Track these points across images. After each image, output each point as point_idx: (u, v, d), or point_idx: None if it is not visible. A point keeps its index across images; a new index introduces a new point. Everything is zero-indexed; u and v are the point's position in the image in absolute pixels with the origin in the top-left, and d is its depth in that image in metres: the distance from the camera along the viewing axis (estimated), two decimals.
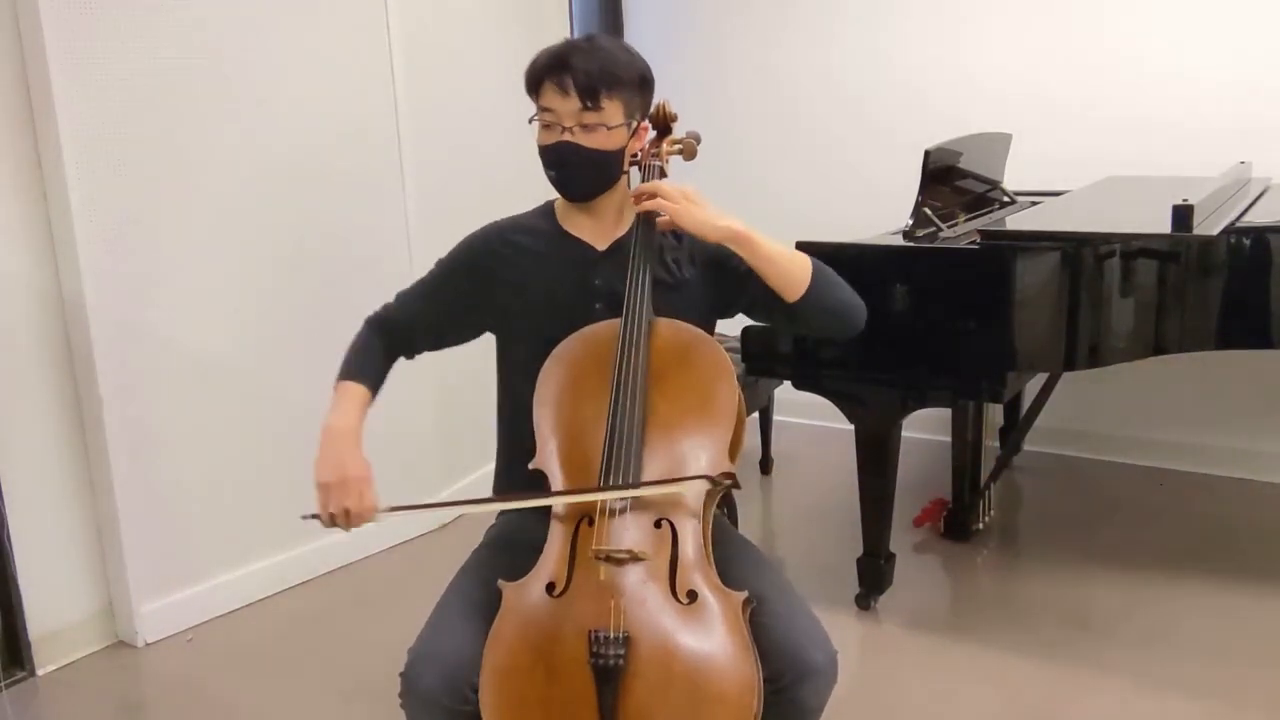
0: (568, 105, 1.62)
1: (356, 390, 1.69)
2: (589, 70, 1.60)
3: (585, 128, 1.63)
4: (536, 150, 1.70)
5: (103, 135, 2.51)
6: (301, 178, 2.92)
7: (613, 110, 1.64)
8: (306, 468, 3.03)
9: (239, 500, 2.86)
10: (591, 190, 1.71)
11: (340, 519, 1.55)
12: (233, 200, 2.77)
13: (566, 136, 1.64)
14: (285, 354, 2.92)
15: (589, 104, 1.62)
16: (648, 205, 1.63)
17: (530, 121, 1.68)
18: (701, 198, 1.63)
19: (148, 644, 2.70)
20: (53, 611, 2.60)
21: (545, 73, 1.63)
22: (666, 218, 1.60)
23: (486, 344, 1.83)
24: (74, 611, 2.65)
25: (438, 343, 1.82)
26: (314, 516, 1.57)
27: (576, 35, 3.98)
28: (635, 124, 1.69)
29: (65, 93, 2.43)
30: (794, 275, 1.64)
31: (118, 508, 2.61)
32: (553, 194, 1.77)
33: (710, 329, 1.74)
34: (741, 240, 1.61)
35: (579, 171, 1.68)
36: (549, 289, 1.72)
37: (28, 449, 2.53)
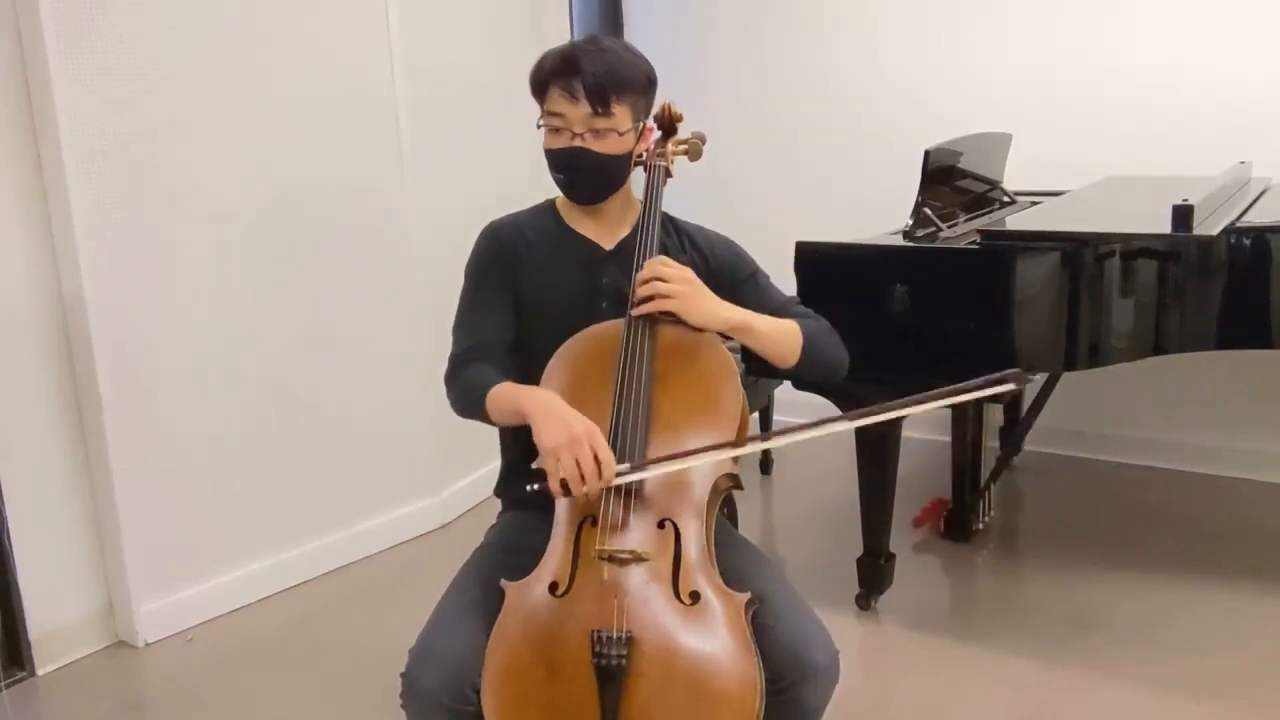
0: (577, 111, 1.62)
1: (508, 385, 1.60)
2: (598, 75, 1.60)
3: (595, 133, 1.64)
4: (541, 150, 1.70)
5: (103, 136, 2.51)
6: (302, 177, 2.92)
7: (622, 115, 1.65)
8: (307, 468, 3.04)
9: (239, 500, 2.86)
10: (600, 194, 1.72)
11: (574, 482, 1.43)
12: (233, 201, 2.77)
13: (577, 142, 1.64)
14: (286, 354, 2.92)
15: (599, 109, 1.62)
16: (649, 307, 1.60)
17: (538, 126, 1.68)
18: (699, 284, 1.64)
19: (148, 644, 2.70)
20: (53, 611, 2.60)
21: (552, 77, 1.63)
22: (653, 307, 1.60)
23: None
24: (74, 611, 2.65)
25: (518, 350, 1.75)
26: (537, 489, 1.46)
27: (578, 35, 4.03)
28: (641, 126, 1.70)
29: (66, 93, 2.43)
30: (786, 352, 1.70)
31: (118, 508, 2.61)
32: (552, 191, 1.77)
33: None
34: (742, 329, 1.66)
35: (589, 176, 1.69)
36: (556, 288, 1.72)
37: (28, 449, 2.53)
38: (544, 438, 1.47)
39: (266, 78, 2.81)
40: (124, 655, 2.68)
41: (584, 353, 1.63)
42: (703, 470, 1.53)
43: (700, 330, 1.63)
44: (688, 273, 1.64)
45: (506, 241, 1.75)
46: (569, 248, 1.75)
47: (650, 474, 1.48)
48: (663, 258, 1.65)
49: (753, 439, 1.64)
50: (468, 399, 1.65)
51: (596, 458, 1.44)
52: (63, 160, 2.44)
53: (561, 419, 1.47)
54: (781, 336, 1.69)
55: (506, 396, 1.59)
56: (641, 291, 1.61)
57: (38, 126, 2.46)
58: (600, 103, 1.62)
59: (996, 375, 1.44)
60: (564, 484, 1.44)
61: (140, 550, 2.66)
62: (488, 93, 3.40)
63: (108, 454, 2.58)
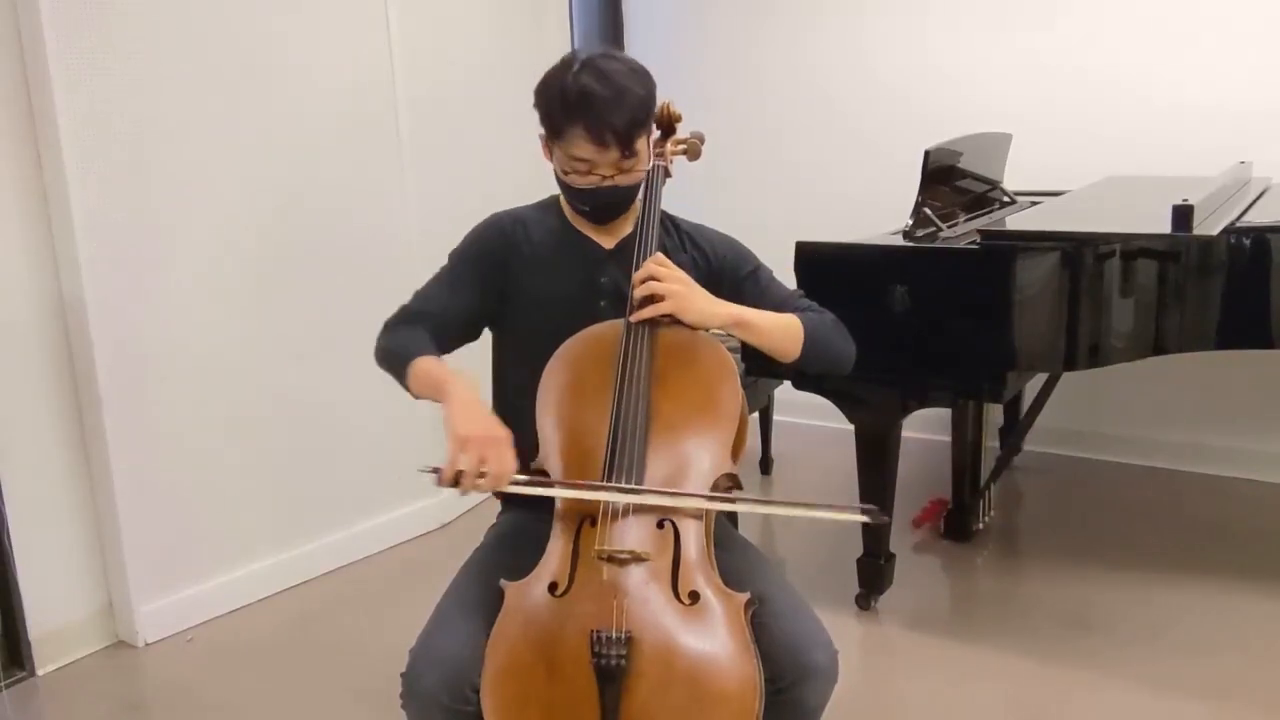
0: (605, 156, 1.62)
1: (441, 361, 1.62)
2: (625, 123, 1.59)
3: (624, 171, 1.65)
4: (540, 149, 1.70)
5: (103, 136, 2.51)
6: (303, 177, 2.92)
7: (643, 146, 1.66)
8: (307, 468, 3.04)
9: (239, 500, 2.86)
10: (623, 213, 1.74)
11: (467, 479, 1.44)
12: (233, 200, 2.77)
13: (608, 183, 1.65)
14: (286, 354, 2.92)
15: (627, 153, 1.63)
16: (646, 312, 1.60)
17: (565, 173, 1.66)
18: (693, 283, 1.64)
19: (148, 644, 2.70)
20: (53, 611, 2.60)
21: (572, 125, 1.60)
22: (652, 311, 1.60)
23: (482, 342, 1.82)
24: (74, 611, 2.65)
25: (466, 335, 1.77)
26: (433, 470, 1.46)
27: (578, 36, 4.02)
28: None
29: (66, 93, 2.43)
30: (787, 346, 1.70)
31: (118, 508, 2.61)
32: (553, 190, 1.77)
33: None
34: (740, 325, 1.66)
35: (618, 207, 1.71)
36: (556, 285, 1.72)
37: (28, 449, 2.53)
38: (459, 426, 1.48)
39: (267, 78, 2.81)
40: (124, 655, 2.68)
41: (584, 352, 1.63)
42: (702, 470, 1.53)
43: (700, 327, 1.63)
44: (681, 273, 1.64)
45: (508, 234, 1.75)
46: (570, 246, 1.75)
47: (642, 500, 1.48)
48: (658, 256, 1.65)
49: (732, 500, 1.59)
50: (395, 353, 1.66)
51: (503, 457, 1.46)
52: (63, 160, 2.44)
53: (482, 415, 1.51)
54: (782, 332, 1.69)
55: (435, 372, 1.60)
56: (638, 293, 1.61)
57: (38, 126, 2.46)
58: (628, 147, 1.62)
59: (859, 506, 1.53)
60: (458, 476, 1.45)
61: (140, 550, 2.66)
62: (488, 94, 3.40)
63: (108, 454, 2.58)
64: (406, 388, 1.65)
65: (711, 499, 1.51)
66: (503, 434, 1.48)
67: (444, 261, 1.79)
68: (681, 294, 1.61)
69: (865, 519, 1.52)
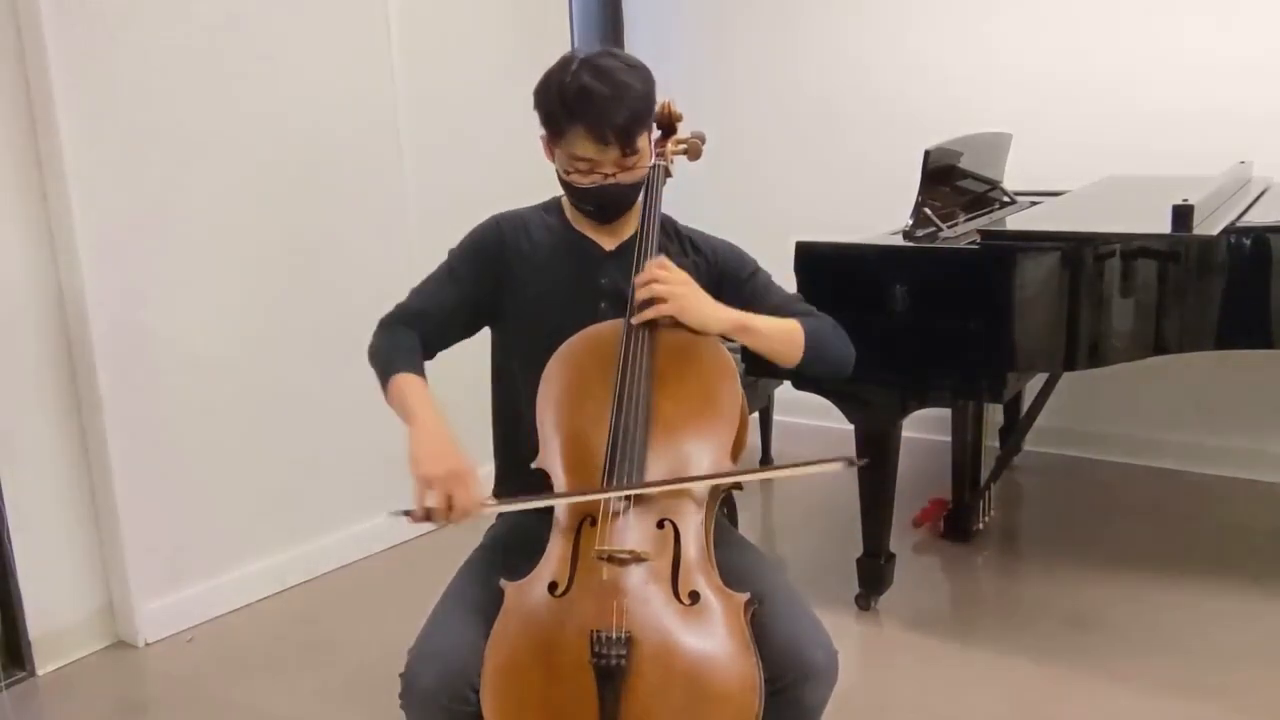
0: (607, 154, 1.62)
1: (420, 383, 1.62)
2: (625, 120, 1.59)
3: (625, 169, 1.64)
4: (541, 151, 1.70)
5: (103, 135, 2.51)
6: (302, 177, 2.92)
7: (644, 143, 1.66)
8: (307, 468, 3.04)
9: (239, 500, 2.86)
10: (626, 212, 1.73)
11: (439, 514, 1.46)
12: (233, 200, 2.77)
13: (610, 181, 1.64)
14: (286, 353, 2.92)
15: (628, 150, 1.62)
16: (649, 313, 1.60)
17: (567, 173, 1.66)
18: (696, 286, 1.64)
19: (148, 644, 2.70)
20: (53, 611, 2.60)
21: (573, 124, 1.60)
22: (653, 313, 1.60)
23: (481, 342, 1.82)
24: (74, 611, 2.65)
25: (464, 332, 1.77)
26: (405, 513, 1.47)
27: (578, 35, 4.02)
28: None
29: (66, 92, 2.43)
30: (790, 352, 1.70)
31: (118, 508, 2.61)
32: (554, 191, 1.77)
33: None
34: (742, 330, 1.65)
35: (622, 205, 1.71)
36: (556, 287, 1.72)
37: (28, 449, 2.53)
38: (422, 465, 1.49)
39: (268, 78, 2.81)
40: (124, 655, 2.68)
41: (583, 353, 1.63)
42: (701, 470, 1.53)
43: (701, 331, 1.62)
44: (683, 275, 1.63)
45: (508, 234, 1.75)
46: (571, 247, 1.75)
47: (644, 491, 1.48)
48: (661, 259, 1.65)
49: (741, 472, 1.61)
50: (380, 360, 1.66)
51: (469, 489, 1.46)
52: (63, 159, 2.44)
53: (442, 451, 1.51)
54: (783, 336, 1.69)
55: (409, 398, 1.59)
56: (640, 294, 1.61)
57: (38, 126, 2.46)
58: (629, 144, 1.62)
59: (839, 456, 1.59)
60: (428, 512, 1.46)
61: (140, 550, 2.66)
62: (488, 94, 3.40)
63: (108, 454, 2.59)
64: (385, 397, 1.66)
65: (697, 479, 1.52)
66: (464, 467, 1.48)
67: (444, 260, 1.79)
68: (684, 296, 1.61)
69: (845, 462, 1.57)
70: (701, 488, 1.52)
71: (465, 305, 1.74)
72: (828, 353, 1.74)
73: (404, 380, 1.62)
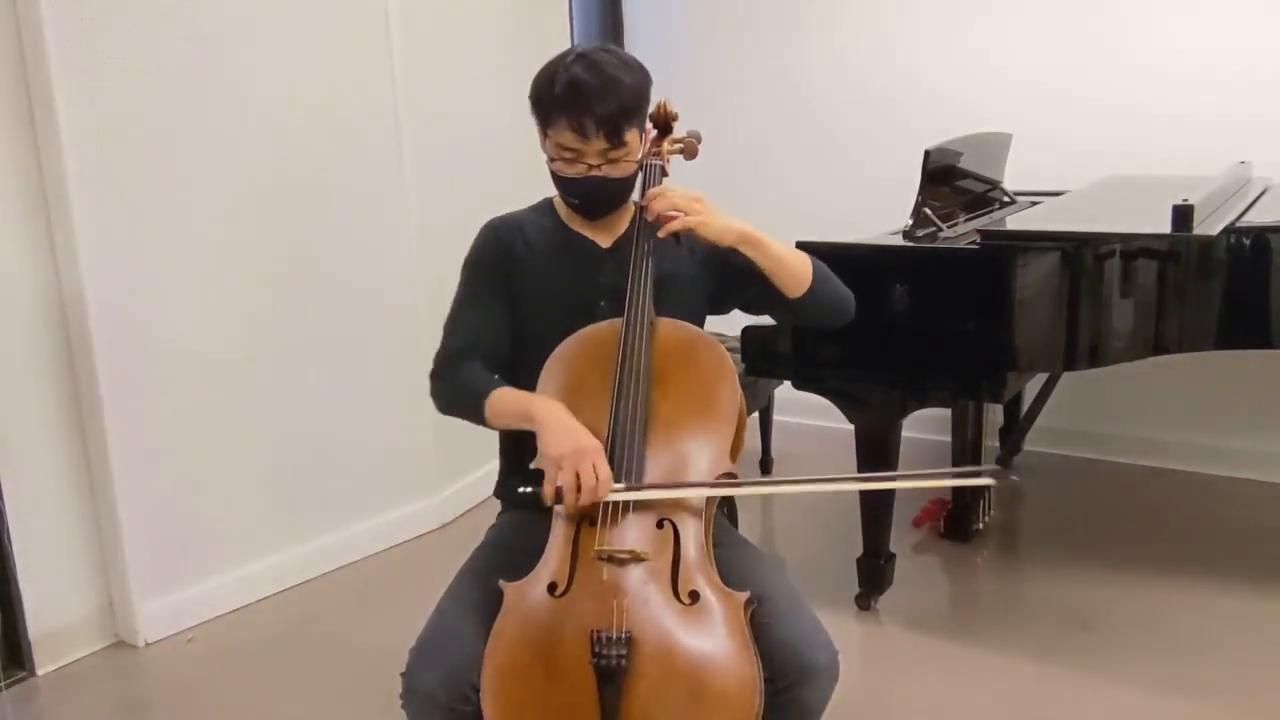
0: (591, 146, 1.62)
1: (507, 387, 1.63)
2: (611, 113, 1.60)
3: (611, 161, 1.64)
4: (540, 153, 1.70)
5: (103, 135, 2.51)
6: (302, 177, 2.92)
7: (632, 138, 1.66)
8: (306, 468, 3.04)
9: (239, 500, 2.86)
10: (614, 209, 1.74)
11: (569, 494, 1.46)
12: (233, 200, 2.77)
13: (595, 173, 1.65)
14: (286, 353, 2.92)
15: (614, 143, 1.63)
16: (669, 222, 1.62)
17: (553, 160, 1.67)
18: (709, 202, 1.65)
19: (148, 644, 2.70)
20: (53, 611, 2.60)
21: (558, 112, 1.61)
22: (679, 224, 1.61)
23: None
24: (74, 611, 2.65)
25: (511, 346, 1.75)
26: (531, 491, 1.49)
27: (578, 35, 4.02)
28: (643, 134, 1.71)
29: (66, 93, 2.43)
30: (798, 274, 1.69)
31: (118, 508, 2.61)
32: (550, 191, 1.77)
33: (700, 322, 1.75)
34: (753, 242, 1.65)
35: (607, 200, 1.71)
36: (555, 286, 1.72)
37: (28, 449, 2.53)
38: (550, 446, 1.49)
39: (268, 79, 2.81)
40: (124, 655, 2.68)
41: (582, 353, 1.63)
42: (701, 470, 1.53)
43: (717, 241, 1.64)
44: (695, 192, 1.65)
45: (505, 239, 1.76)
46: (567, 247, 1.75)
47: (645, 496, 1.49)
48: (663, 185, 1.67)
49: (745, 483, 1.60)
50: (463, 399, 1.67)
51: (597, 475, 1.46)
52: (63, 160, 2.44)
53: (570, 430, 1.51)
54: (793, 258, 1.69)
55: (511, 401, 1.61)
56: (657, 206, 1.62)
57: (38, 127, 2.46)
58: (614, 136, 1.62)
59: (973, 469, 1.53)
60: (558, 492, 1.47)
61: (140, 550, 2.66)
62: (488, 97, 3.40)
63: (108, 454, 2.58)
64: (484, 423, 1.65)
65: (715, 485, 1.52)
66: (590, 444, 1.49)
67: (443, 263, 1.80)
68: (701, 208, 1.63)
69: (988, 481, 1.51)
70: (702, 490, 1.52)
71: (498, 324, 1.73)
72: (832, 288, 1.75)
73: (500, 392, 1.63)
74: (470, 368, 1.69)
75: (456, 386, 1.69)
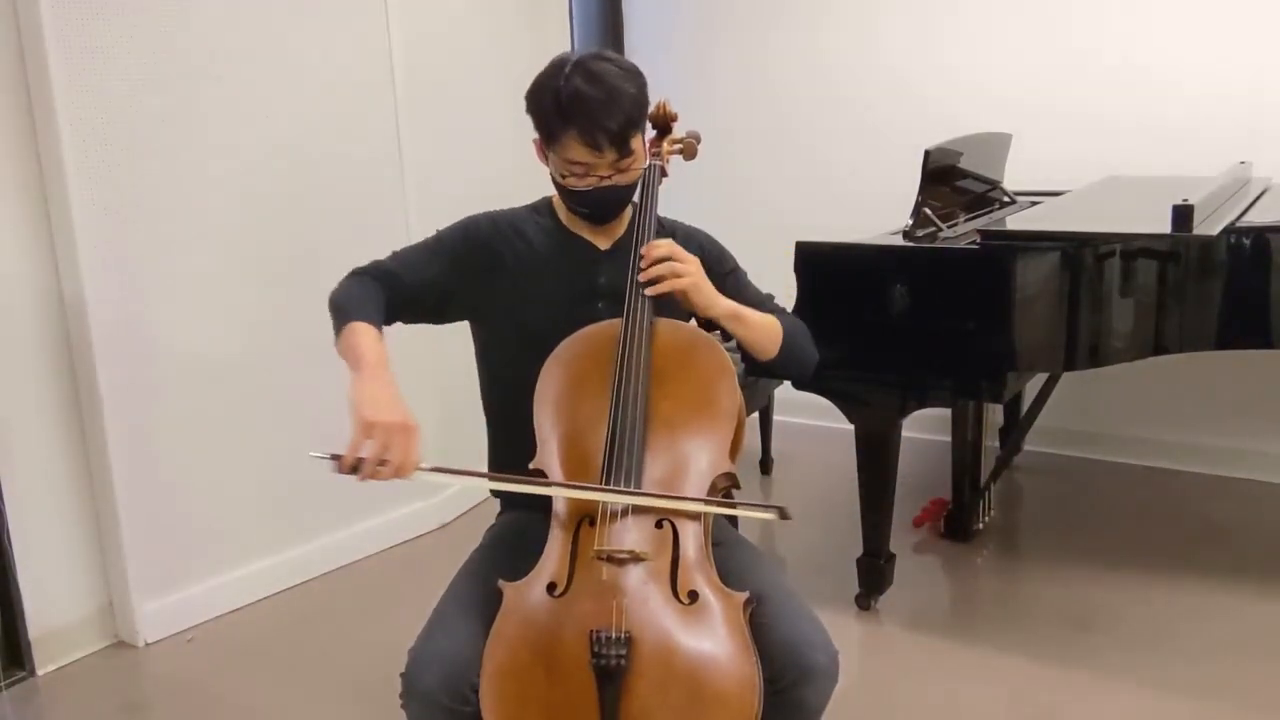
0: (603, 159, 1.62)
1: (376, 335, 1.57)
2: (619, 125, 1.59)
3: (620, 171, 1.65)
4: (555, 186, 1.71)
5: (103, 135, 2.51)
6: (302, 178, 2.92)
7: (638, 145, 1.67)
8: (306, 468, 3.03)
9: (239, 500, 2.86)
10: (621, 213, 1.74)
11: (368, 467, 1.39)
12: (233, 200, 2.77)
13: (606, 183, 1.65)
14: (285, 353, 2.92)
15: (624, 153, 1.63)
16: (664, 286, 1.61)
17: (563, 176, 1.66)
18: (702, 270, 1.66)
19: (148, 644, 2.70)
20: (53, 611, 2.60)
21: (567, 129, 1.60)
22: (668, 285, 1.61)
23: (465, 341, 1.82)
24: (74, 611, 2.65)
25: (428, 314, 1.75)
26: (329, 457, 1.39)
27: (578, 35, 4.02)
28: (644, 136, 1.71)
29: (66, 92, 2.43)
30: (769, 345, 1.75)
31: (118, 508, 2.61)
32: (548, 190, 1.77)
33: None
34: (737, 318, 1.69)
35: (616, 205, 1.71)
36: (553, 287, 1.72)
37: (28, 449, 2.53)
38: (364, 408, 1.43)
39: (267, 78, 2.81)
40: (124, 655, 2.68)
41: (581, 353, 1.63)
42: (700, 470, 1.53)
43: (702, 313, 1.66)
44: (693, 257, 1.66)
45: (502, 232, 1.75)
46: (566, 247, 1.75)
47: (641, 501, 1.48)
48: (669, 240, 1.67)
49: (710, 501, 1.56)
50: (341, 307, 1.63)
51: (406, 455, 1.41)
52: (63, 160, 2.44)
53: (389, 401, 1.45)
54: (766, 330, 1.74)
55: (360, 343, 1.54)
56: (655, 270, 1.62)
57: (38, 127, 2.46)
58: (623, 147, 1.62)
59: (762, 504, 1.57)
60: (358, 462, 1.39)
61: (140, 550, 2.67)
62: (488, 94, 3.40)
63: (108, 454, 2.59)
64: (336, 344, 1.62)
65: (708, 502, 1.51)
66: (410, 421, 1.42)
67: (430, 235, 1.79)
68: (697, 276, 1.64)
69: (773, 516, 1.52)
70: (701, 490, 1.52)
71: (439, 285, 1.72)
72: (799, 353, 1.81)
73: (361, 329, 1.58)
74: (376, 291, 1.66)
75: (348, 293, 1.65)
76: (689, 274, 1.63)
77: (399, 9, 3.10)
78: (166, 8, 2.59)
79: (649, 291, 1.62)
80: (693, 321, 1.74)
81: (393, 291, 1.68)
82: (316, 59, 2.92)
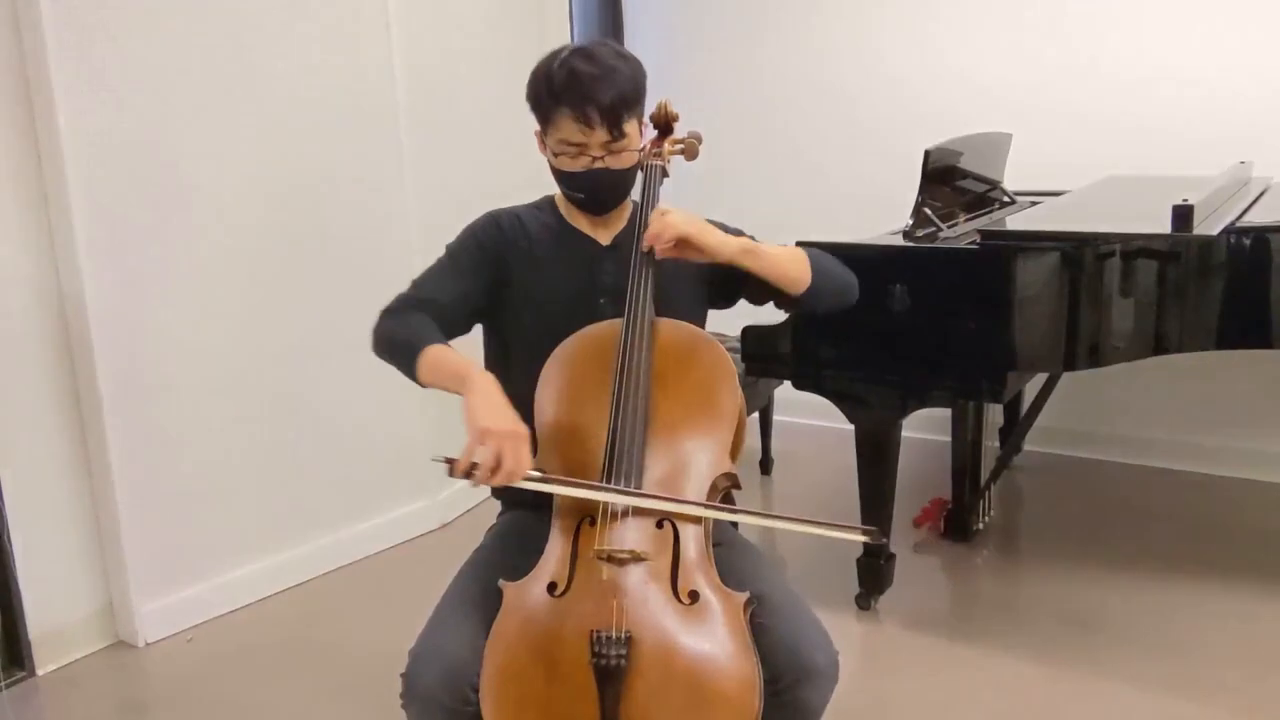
0: (594, 138, 1.62)
1: (452, 349, 1.59)
2: (613, 103, 1.60)
3: (613, 153, 1.64)
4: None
5: (103, 135, 2.51)
6: (302, 177, 2.92)
7: (632, 129, 1.66)
8: (306, 468, 3.04)
9: (239, 500, 2.86)
10: (617, 203, 1.74)
11: (482, 472, 1.43)
12: (233, 200, 2.77)
13: (598, 165, 1.65)
14: (285, 354, 2.92)
15: (615, 134, 1.63)
16: (668, 234, 1.60)
17: (556, 156, 1.67)
18: (702, 219, 1.65)
19: (148, 644, 2.70)
20: (53, 611, 2.60)
21: (560, 104, 1.61)
22: (675, 232, 1.60)
23: (473, 339, 1.82)
24: (74, 611, 2.65)
25: (463, 327, 1.74)
26: (447, 461, 1.45)
27: (577, 33, 4.02)
28: (642, 127, 1.71)
29: (66, 92, 2.43)
30: (798, 276, 1.69)
31: (118, 508, 2.61)
32: (550, 190, 1.77)
33: (701, 322, 1.75)
34: (751, 253, 1.65)
35: (610, 193, 1.71)
36: (556, 283, 1.72)
37: (28, 449, 2.53)
38: (480, 417, 1.45)
39: (267, 77, 2.81)
40: (124, 655, 2.68)
41: (582, 352, 1.63)
42: (700, 470, 1.53)
43: (714, 256, 1.62)
44: (687, 211, 1.64)
45: (507, 230, 1.76)
46: (568, 244, 1.75)
47: (641, 503, 1.48)
48: (661, 206, 1.66)
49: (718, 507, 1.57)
50: (402, 341, 1.62)
51: (518, 460, 1.44)
52: (63, 160, 2.44)
53: (503, 407, 1.48)
54: (790, 258, 1.69)
55: (450, 360, 1.57)
56: (652, 230, 1.61)
57: (38, 126, 2.46)
58: (616, 127, 1.62)
59: (859, 527, 1.60)
60: (472, 468, 1.43)
61: (140, 550, 2.66)
62: (488, 94, 3.40)
63: (108, 454, 2.59)
64: (414, 376, 1.61)
65: (717, 508, 1.52)
66: (523, 430, 1.47)
67: (441, 255, 1.79)
68: (696, 219, 1.62)
69: (865, 539, 1.55)
70: (701, 490, 1.52)
71: (468, 298, 1.73)
72: (834, 277, 1.75)
73: (438, 350, 1.59)
74: (421, 319, 1.65)
75: (402, 330, 1.64)
76: (687, 219, 1.61)
77: (399, 10, 3.10)
78: (168, 8, 2.59)
79: (659, 252, 1.61)
80: (703, 321, 1.73)
81: (437, 316, 1.67)
82: (317, 58, 2.92)
